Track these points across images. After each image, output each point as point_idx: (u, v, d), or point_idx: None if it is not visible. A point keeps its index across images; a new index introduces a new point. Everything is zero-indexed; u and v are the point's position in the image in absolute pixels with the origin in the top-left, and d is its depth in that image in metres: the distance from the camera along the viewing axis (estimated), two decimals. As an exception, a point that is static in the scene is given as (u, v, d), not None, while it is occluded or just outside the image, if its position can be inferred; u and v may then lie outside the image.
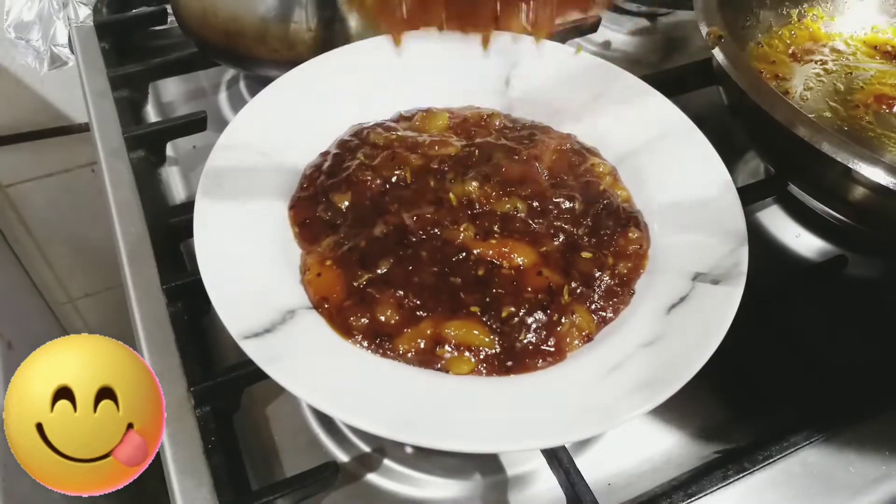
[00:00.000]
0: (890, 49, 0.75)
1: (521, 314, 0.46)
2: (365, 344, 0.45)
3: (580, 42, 0.85)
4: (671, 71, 0.78)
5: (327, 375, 0.42)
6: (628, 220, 0.53)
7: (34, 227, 1.18)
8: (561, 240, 0.51)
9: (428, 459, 0.51)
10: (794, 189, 0.63)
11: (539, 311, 0.46)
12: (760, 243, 0.64)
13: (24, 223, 1.17)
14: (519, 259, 0.49)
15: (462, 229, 0.50)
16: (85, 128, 1.07)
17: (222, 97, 0.78)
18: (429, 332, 0.45)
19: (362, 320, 0.45)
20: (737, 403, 0.55)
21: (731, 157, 0.63)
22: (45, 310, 1.24)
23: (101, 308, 1.35)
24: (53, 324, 1.27)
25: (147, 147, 0.68)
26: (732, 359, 0.53)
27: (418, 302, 0.46)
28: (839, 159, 0.50)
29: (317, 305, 0.47)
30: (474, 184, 0.52)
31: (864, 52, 0.75)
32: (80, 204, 1.18)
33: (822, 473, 0.50)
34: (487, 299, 0.47)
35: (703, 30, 0.60)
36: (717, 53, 0.59)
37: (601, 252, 0.50)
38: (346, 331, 0.45)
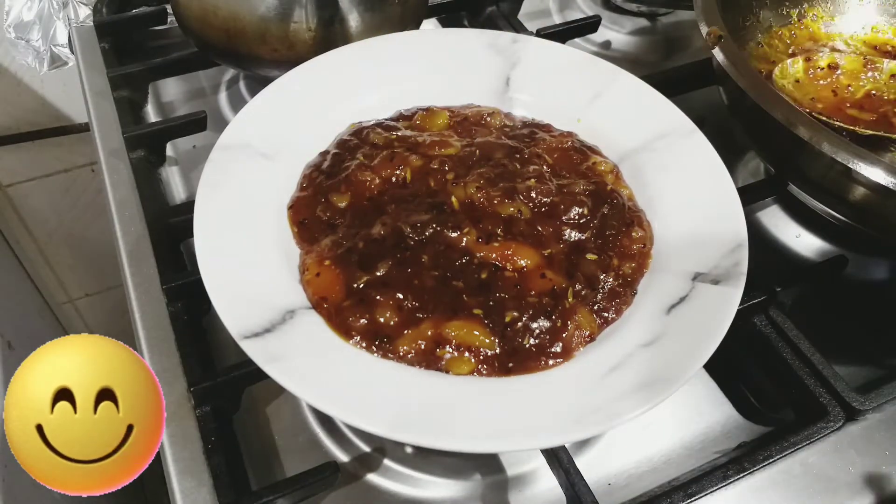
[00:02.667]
0: (890, 49, 0.75)
1: (524, 319, 0.46)
2: (364, 345, 0.45)
3: (580, 41, 0.86)
4: (671, 71, 0.78)
5: (327, 375, 0.42)
6: (632, 219, 0.53)
7: (34, 227, 1.18)
8: (567, 242, 0.51)
9: (428, 459, 0.51)
10: (794, 189, 0.63)
11: (542, 317, 0.46)
12: (760, 243, 0.64)
13: (24, 223, 1.17)
14: (522, 261, 0.49)
15: (464, 232, 0.50)
16: (85, 128, 1.07)
17: (222, 97, 0.78)
18: (429, 332, 0.45)
19: (361, 321, 0.45)
20: (737, 403, 0.55)
21: (731, 158, 0.64)
22: (45, 310, 1.24)
23: (102, 308, 1.35)
24: (53, 324, 1.27)
25: (147, 147, 0.68)
26: (732, 359, 0.53)
27: (418, 304, 0.46)
28: (839, 159, 0.50)
29: (316, 305, 0.47)
30: (474, 187, 0.52)
31: (863, 52, 0.75)
32: (80, 204, 1.18)
33: (822, 473, 0.50)
34: (490, 303, 0.47)
35: (703, 29, 0.60)
36: (717, 53, 0.59)
37: (606, 253, 0.50)
38: (345, 331, 0.45)
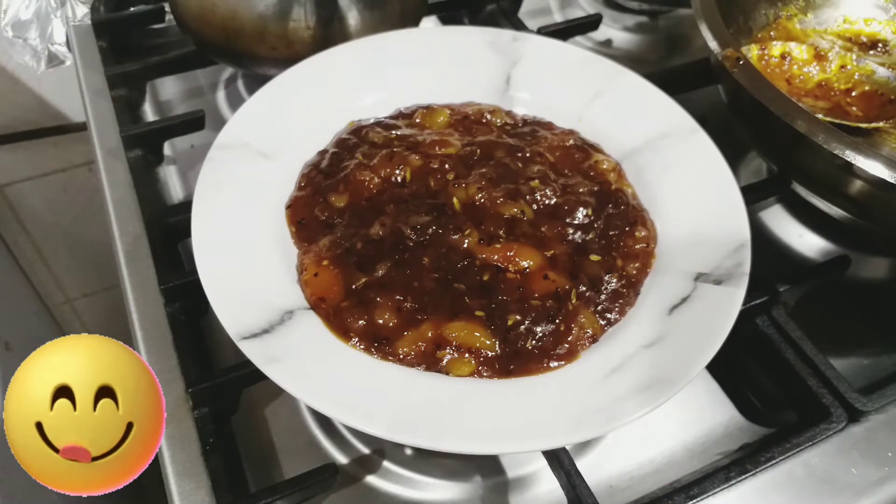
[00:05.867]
0: (865, 40, 0.75)
1: (526, 322, 0.45)
2: (363, 346, 0.44)
3: (581, 39, 0.85)
4: (673, 69, 0.77)
5: (326, 376, 0.42)
6: (636, 218, 0.52)
7: (31, 227, 1.18)
8: (570, 243, 0.50)
9: (428, 461, 0.51)
10: (797, 188, 0.62)
11: (545, 321, 0.45)
12: (763, 243, 0.64)
13: (21, 223, 1.16)
14: (525, 263, 0.48)
15: (465, 234, 0.49)
16: (82, 127, 1.07)
17: (220, 96, 0.77)
18: (429, 334, 0.45)
19: (360, 322, 0.45)
20: (739, 405, 0.55)
21: (733, 157, 0.63)
22: (42, 310, 1.24)
23: (99, 308, 1.34)
24: (51, 324, 1.26)
25: (145, 146, 0.67)
26: (734, 359, 0.53)
27: (417, 306, 0.46)
28: (838, 153, 0.50)
29: (314, 306, 0.46)
30: (476, 188, 0.52)
31: (842, 45, 0.74)
32: (78, 203, 1.18)
33: (825, 475, 0.49)
34: (493, 305, 0.46)
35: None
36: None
37: (610, 254, 0.50)
38: (343, 332, 0.45)
